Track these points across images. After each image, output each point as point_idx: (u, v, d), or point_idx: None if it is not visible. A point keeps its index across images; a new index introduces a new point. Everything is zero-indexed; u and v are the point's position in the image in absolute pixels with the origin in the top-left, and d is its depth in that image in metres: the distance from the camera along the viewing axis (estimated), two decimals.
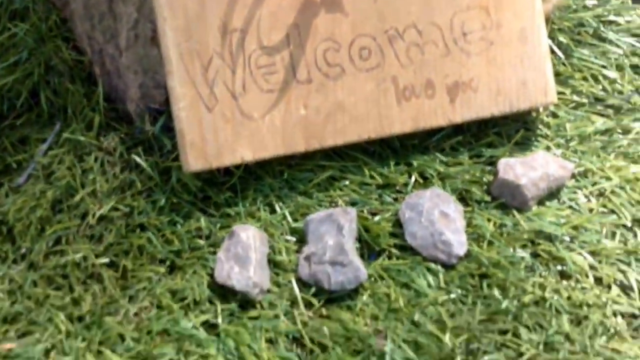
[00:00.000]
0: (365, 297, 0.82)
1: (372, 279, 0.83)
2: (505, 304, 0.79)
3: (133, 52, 0.94)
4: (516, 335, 0.77)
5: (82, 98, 1.01)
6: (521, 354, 0.75)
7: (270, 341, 0.78)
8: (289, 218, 0.89)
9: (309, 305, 0.82)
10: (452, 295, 0.81)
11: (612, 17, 1.09)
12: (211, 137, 0.87)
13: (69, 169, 0.95)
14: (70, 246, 0.88)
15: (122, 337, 0.78)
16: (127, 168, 0.93)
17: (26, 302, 0.83)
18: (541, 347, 0.76)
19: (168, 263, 0.86)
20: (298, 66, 0.88)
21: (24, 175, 0.98)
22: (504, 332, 0.77)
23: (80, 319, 0.81)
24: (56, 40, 1.03)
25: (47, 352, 0.78)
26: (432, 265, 0.84)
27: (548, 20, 1.01)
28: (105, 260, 0.86)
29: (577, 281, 0.83)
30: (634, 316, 0.80)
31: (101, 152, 0.95)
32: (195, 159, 0.86)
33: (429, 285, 0.82)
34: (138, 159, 0.92)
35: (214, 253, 0.85)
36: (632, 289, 0.82)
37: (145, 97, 0.95)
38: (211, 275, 0.83)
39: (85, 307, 0.82)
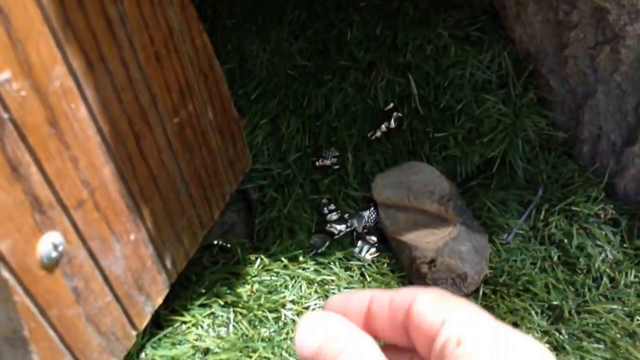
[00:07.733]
0: None
1: None
2: None
3: None
4: None
5: (550, 169, 1.12)
6: None
7: None
8: None
9: None
10: None
11: None
12: None
13: (564, 233, 1.04)
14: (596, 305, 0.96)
15: None
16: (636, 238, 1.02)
17: None
18: None
19: None
20: None
21: (511, 234, 1.07)
22: None
23: None
24: (532, 116, 1.14)
25: None
26: None
27: None
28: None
29: None
30: None
31: (599, 220, 1.04)
32: None
33: None
34: None
35: None
36: None
37: None
38: None
39: None
